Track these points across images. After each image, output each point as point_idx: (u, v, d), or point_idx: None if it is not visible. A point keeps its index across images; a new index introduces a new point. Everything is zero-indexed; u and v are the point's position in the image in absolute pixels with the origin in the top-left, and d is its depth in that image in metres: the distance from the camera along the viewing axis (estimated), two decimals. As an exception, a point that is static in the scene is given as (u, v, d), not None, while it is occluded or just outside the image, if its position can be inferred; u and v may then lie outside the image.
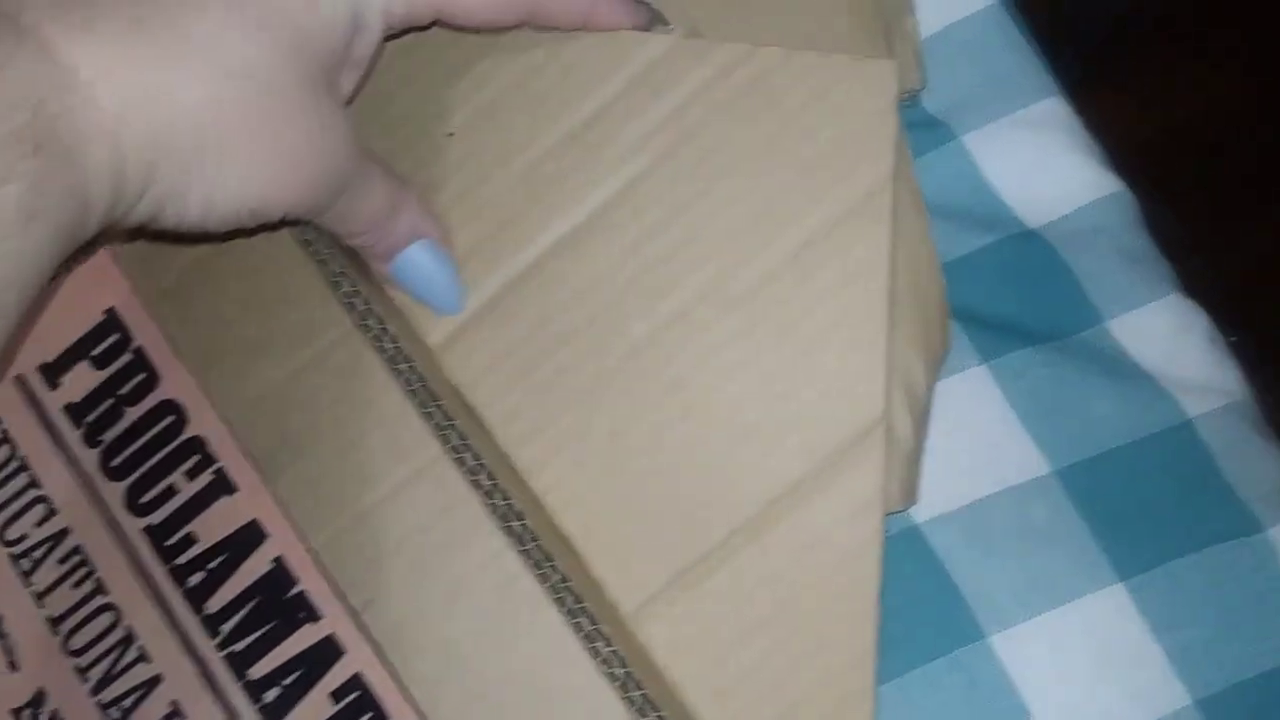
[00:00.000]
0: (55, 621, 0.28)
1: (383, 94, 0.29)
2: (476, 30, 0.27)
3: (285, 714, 0.27)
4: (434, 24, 0.26)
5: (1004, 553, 0.27)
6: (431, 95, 0.29)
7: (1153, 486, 0.27)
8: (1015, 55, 0.30)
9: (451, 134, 0.28)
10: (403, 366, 0.27)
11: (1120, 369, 0.28)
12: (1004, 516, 0.27)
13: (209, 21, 0.21)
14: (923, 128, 0.30)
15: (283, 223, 0.24)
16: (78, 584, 0.28)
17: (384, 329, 0.28)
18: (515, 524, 0.26)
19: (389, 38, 0.25)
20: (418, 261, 0.27)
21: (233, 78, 0.21)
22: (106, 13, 0.20)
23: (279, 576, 0.27)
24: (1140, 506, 0.27)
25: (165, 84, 0.20)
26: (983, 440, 0.27)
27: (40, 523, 0.28)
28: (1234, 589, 0.26)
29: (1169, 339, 0.28)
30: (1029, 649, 0.26)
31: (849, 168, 0.26)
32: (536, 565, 0.26)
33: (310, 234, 0.28)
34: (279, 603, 0.27)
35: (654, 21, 0.28)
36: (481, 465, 0.27)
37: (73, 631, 0.28)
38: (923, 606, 0.26)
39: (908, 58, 0.29)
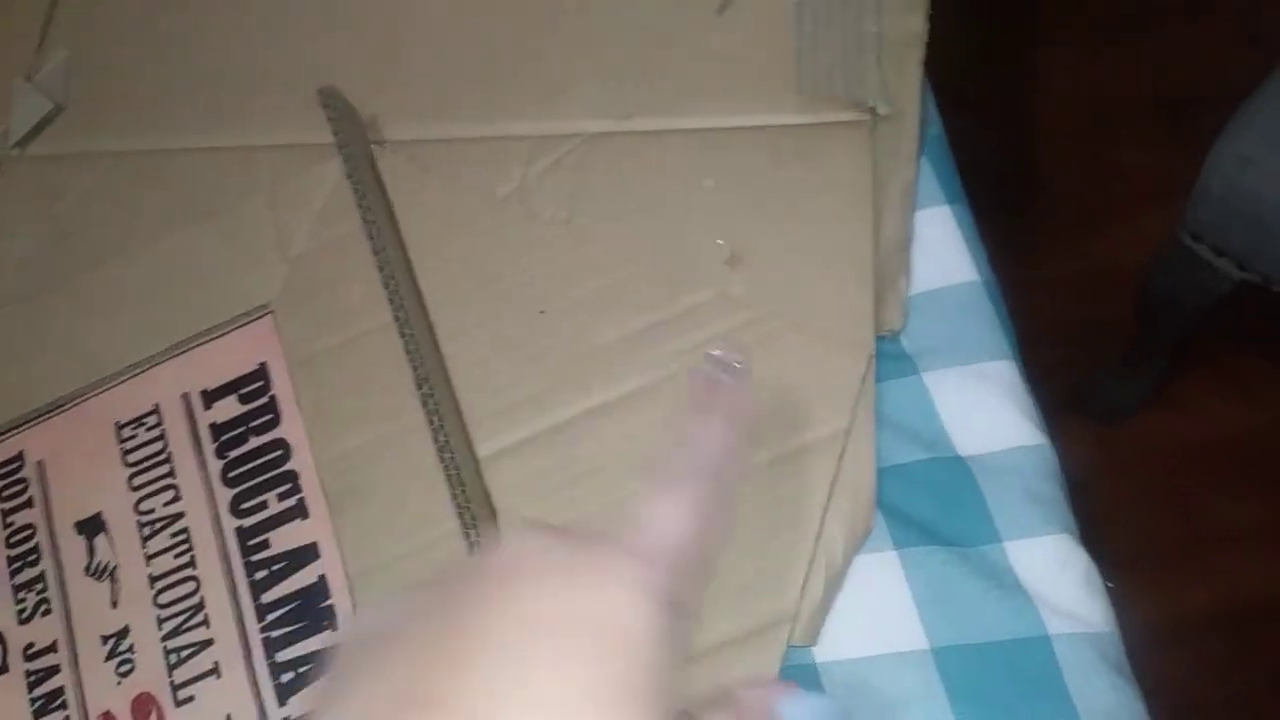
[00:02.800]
0: (154, 579, 0.37)
1: (494, 272, 0.39)
2: None
3: (293, 695, 0.35)
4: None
5: (877, 701, 0.33)
6: (535, 280, 0.38)
7: (1008, 681, 0.32)
8: (983, 322, 0.38)
9: (543, 312, 0.38)
10: (447, 458, 0.36)
11: (1005, 582, 0.34)
12: (884, 674, 0.33)
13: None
14: (894, 359, 0.37)
15: None
16: (178, 555, 0.37)
17: (443, 428, 0.36)
18: None
19: None
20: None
21: None
22: None
23: (320, 589, 0.36)
24: (994, 694, 0.32)
25: None
26: (882, 610, 0.34)
27: (167, 504, 0.37)
28: (1059, 785, 0.31)
29: (1051, 568, 0.34)
30: (878, 788, 0.32)
31: (817, 414, 0.35)
32: None
33: (411, 340, 0.37)
34: (314, 608, 0.35)
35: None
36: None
37: (163, 589, 0.36)
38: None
39: (894, 305, 0.38)
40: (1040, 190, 1.29)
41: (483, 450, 0.36)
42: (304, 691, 0.34)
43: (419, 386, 0.36)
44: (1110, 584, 0.35)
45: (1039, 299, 1.24)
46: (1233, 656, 1.08)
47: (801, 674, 0.33)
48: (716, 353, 0.27)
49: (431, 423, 0.36)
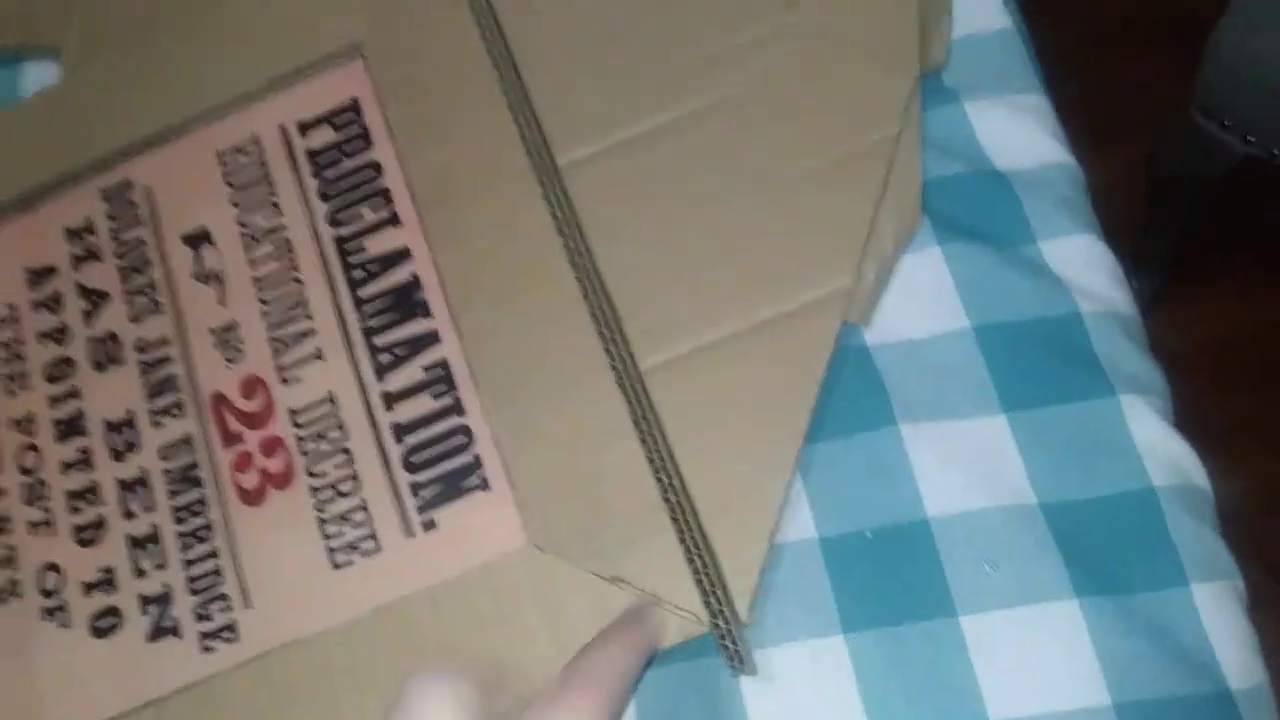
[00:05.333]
0: (258, 281, 0.40)
1: (570, 5, 0.42)
2: None
3: (389, 372, 0.38)
4: None
5: (922, 374, 0.36)
6: (610, 11, 0.41)
7: (1043, 351, 0.36)
8: (1017, 61, 0.41)
9: (617, 37, 0.41)
10: (536, 160, 0.39)
11: (1039, 273, 0.37)
12: (930, 352, 0.36)
13: None
14: (936, 93, 0.41)
15: None
16: (278, 260, 0.40)
17: (527, 136, 0.39)
18: (584, 274, 0.37)
19: None
20: None
21: None
22: None
23: (412, 285, 0.39)
24: (1030, 363, 0.36)
25: None
26: (927, 298, 0.37)
27: (268, 218, 0.41)
28: (1088, 436, 0.35)
29: (1081, 262, 0.38)
30: (925, 440, 0.35)
31: (870, 123, 0.38)
32: (590, 308, 0.36)
33: (496, 60, 0.40)
34: (408, 301, 0.39)
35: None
36: (571, 231, 0.38)
37: (267, 288, 0.40)
38: (856, 396, 0.36)
39: (938, 44, 0.41)
40: (1056, 105, 1.31)
41: (563, 159, 0.39)
42: (401, 369, 0.38)
43: (505, 96, 0.40)
44: (1135, 283, 0.38)
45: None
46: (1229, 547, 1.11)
47: (855, 354, 0.37)
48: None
49: (518, 130, 0.39)
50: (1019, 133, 0.40)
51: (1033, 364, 0.36)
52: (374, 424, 0.37)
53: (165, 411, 0.39)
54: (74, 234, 0.42)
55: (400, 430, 0.37)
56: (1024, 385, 0.36)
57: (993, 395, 0.36)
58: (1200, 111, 0.83)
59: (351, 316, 0.39)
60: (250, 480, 0.38)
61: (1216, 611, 0.33)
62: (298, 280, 0.40)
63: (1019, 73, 0.41)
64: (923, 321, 0.37)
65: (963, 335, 0.37)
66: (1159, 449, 0.35)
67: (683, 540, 0.33)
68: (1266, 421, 1.17)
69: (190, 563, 0.37)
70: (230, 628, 0.36)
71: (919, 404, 0.36)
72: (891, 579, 0.33)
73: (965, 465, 0.35)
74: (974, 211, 0.38)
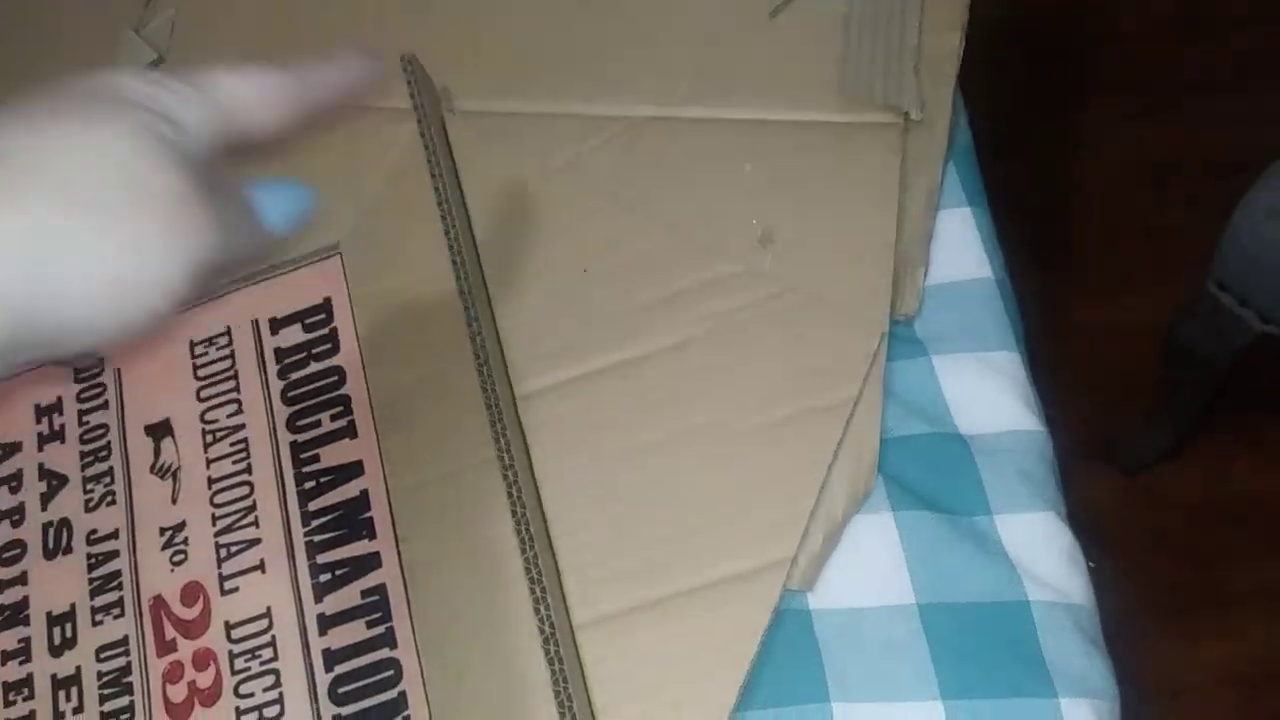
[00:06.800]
0: (212, 481, 0.40)
1: (545, 232, 0.42)
2: (270, 141, 0.26)
3: (328, 594, 0.38)
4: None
5: (864, 649, 0.35)
6: (582, 243, 0.42)
7: (987, 639, 0.35)
8: (993, 316, 0.41)
9: (586, 271, 0.41)
10: (489, 394, 0.39)
11: (991, 550, 0.36)
12: (873, 624, 0.36)
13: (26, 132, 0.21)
14: (907, 342, 0.40)
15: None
16: (235, 461, 0.40)
17: (488, 366, 0.39)
18: (522, 522, 0.37)
19: None
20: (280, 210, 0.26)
21: (65, 178, 0.20)
22: None
23: (361, 502, 0.39)
24: (973, 650, 0.35)
25: None
26: (875, 567, 0.36)
27: (230, 415, 0.41)
28: (1024, 734, 0.34)
29: (1035, 542, 0.36)
30: (857, 725, 0.34)
31: (830, 381, 0.38)
32: (525, 561, 0.36)
33: (464, 285, 0.41)
34: (354, 519, 0.39)
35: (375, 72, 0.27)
36: (515, 474, 0.38)
37: (220, 491, 0.40)
38: (792, 665, 0.35)
39: (911, 293, 0.40)
40: (1082, 244, 1.31)
41: (520, 389, 0.39)
42: (339, 592, 0.38)
43: (469, 326, 0.40)
44: (1092, 565, 0.37)
45: (1073, 347, 1.26)
46: (1238, 714, 1.08)
47: (796, 617, 0.36)
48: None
49: (478, 359, 0.39)
50: (986, 394, 0.39)
51: (976, 652, 0.35)
52: (306, 648, 0.37)
53: (106, 610, 0.39)
54: (43, 411, 0.43)
55: (330, 657, 0.37)
56: (965, 673, 0.35)
57: (932, 680, 0.35)
58: (1218, 286, 0.82)
59: (297, 528, 0.39)
60: (179, 693, 0.37)
61: None
62: (250, 484, 0.40)
63: (994, 328, 0.40)
64: (869, 591, 0.36)
65: (908, 612, 0.36)
66: (1098, 758, 0.34)
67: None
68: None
69: (110, 774, 0.37)
70: None
71: (856, 681, 0.35)
72: None
73: (897, 755, 0.34)
74: (931, 478, 0.38)
